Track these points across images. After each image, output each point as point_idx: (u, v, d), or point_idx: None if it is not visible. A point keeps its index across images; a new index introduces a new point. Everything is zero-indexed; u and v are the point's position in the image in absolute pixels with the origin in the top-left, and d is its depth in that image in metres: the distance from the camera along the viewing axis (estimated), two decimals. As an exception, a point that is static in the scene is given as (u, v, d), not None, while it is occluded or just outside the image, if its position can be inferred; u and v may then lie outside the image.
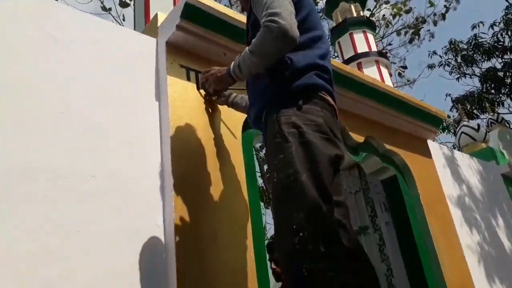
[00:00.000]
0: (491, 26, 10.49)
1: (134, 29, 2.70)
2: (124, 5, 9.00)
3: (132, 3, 8.98)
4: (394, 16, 11.44)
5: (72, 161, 1.72)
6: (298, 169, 1.29)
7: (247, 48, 1.47)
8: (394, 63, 12.07)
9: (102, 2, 9.64)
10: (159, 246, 1.81)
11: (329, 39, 5.37)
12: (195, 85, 2.18)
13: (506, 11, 10.08)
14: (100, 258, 1.63)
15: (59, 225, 1.58)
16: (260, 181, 9.39)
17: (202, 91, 2.13)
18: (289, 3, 1.43)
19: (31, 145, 1.64)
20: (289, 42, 1.37)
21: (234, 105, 2.04)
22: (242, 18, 2.32)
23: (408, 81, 12.74)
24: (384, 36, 12.15)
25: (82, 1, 8.99)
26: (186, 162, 1.96)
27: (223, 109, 2.23)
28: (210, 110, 2.17)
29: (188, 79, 2.17)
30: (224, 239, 1.92)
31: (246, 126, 2.31)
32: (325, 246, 1.21)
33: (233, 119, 2.26)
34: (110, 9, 9.84)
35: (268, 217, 10.39)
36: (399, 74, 12.20)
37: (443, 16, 11.85)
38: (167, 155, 1.95)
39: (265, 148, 1.61)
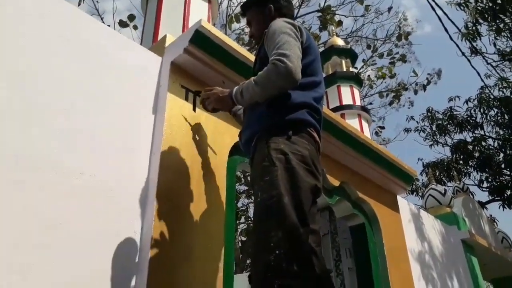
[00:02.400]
0: (466, 101, 11.21)
1: (141, 45, 2.84)
2: (123, 25, 9.20)
3: (131, 24, 9.22)
4: (378, 78, 12.08)
5: (64, 156, 1.79)
6: (281, 192, 1.40)
7: (252, 78, 1.60)
8: (374, 121, 12.60)
9: (101, 19, 9.83)
10: (133, 252, 1.86)
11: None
12: (191, 106, 2.31)
13: (480, 90, 10.84)
14: (77, 254, 1.66)
15: (42, 215, 1.63)
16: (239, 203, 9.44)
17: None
18: (298, 48, 1.59)
19: (30, 135, 1.71)
20: (291, 82, 1.52)
21: (236, 116, 2.15)
22: (245, 52, 2.50)
23: (384, 140, 13.27)
24: (367, 96, 12.75)
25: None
26: (172, 176, 2.05)
27: (215, 133, 2.36)
28: (203, 131, 2.29)
29: (186, 99, 2.30)
30: (198, 255, 1.98)
31: (232, 152, 2.44)
32: (299, 266, 1.30)
33: (221, 144, 2.38)
34: (108, 26, 10.02)
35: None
36: (376, 133, 12.70)
37: (424, 88, 12.60)
38: (155, 166, 2.03)
39: (251, 170, 1.72)
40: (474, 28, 8.24)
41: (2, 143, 1.62)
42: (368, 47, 12.22)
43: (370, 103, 13.07)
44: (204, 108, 1.93)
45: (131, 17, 9.19)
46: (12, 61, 1.76)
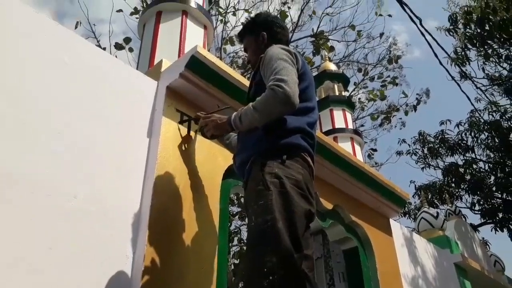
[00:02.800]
0: (457, 125, 11.38)
1: (137, 69, 2.88)
2: (119, 47, 9.29)
3: (127, 47, 9.32)
4: (369, 101, 12.25)
5: (59, 178, 1.79)
6: (275, 216, 1.42)
7: (251, 104, 1.62)
8: (366, 142, 12.70)
9: (98, 41, 9.92)
10: (126, 275, 1.84)
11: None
12: (186, 129, 2.33)
13: (470, 114, 11.03)
14: (67, 278, 1.65)
15: (34, 238, 1.62)
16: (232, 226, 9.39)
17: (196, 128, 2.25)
18: (295, 74, 1.63)
19: (25, 155, 1.72)
20: (289, 107, 1.55)
21: (227, 145, 2.19)
22: (239, 77, 2.55)
23: (376, 163, 13.34)
24: (358, 118, 12.90)
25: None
26: (166, 199, 2.05)
27: (209, 156, 2.37)
28: (197, 154, 2.31)
29: (181, 123, 2.32)
30: (190, 278, 1.97)
31: (225, 175, 2.45)
32: None
33: (215, 167, 2.39)
34: (104, 48, 10.12)
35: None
36: (369, 156, 12.78)
37: (415, 108, 12.78)
38: (149, 189, 2.04)
39: (244, 193, 1.73)
40: (463, 53, 8.45)
41: (-3, 164, 1.62)
42: (359, 70, 12.43)
43: (362, 125, 13.20)
44: (203, 135, 1.94)
45: (127, 40, 9.30)
46: (7, 81, 1.79)
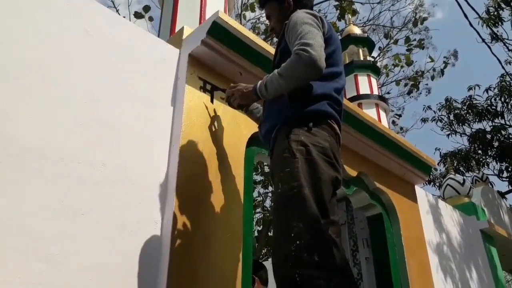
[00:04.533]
0: (486, 90, 10.95)
1: (158, 37, 2.86)
2: (139, 16, 9.23)
3: (146, 15, 9.25)
4: (395, 66, 11.89)
5: (87, 148, 1.83)
6: (302, 183, 1.41)
7: (276, 70, 1.58)
8: (393, 111, 12.45)
9: (117, 10, 9.88)
10: (155, 241, 1.90)
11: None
12: (209, 97, 2.32)
13: (500, 78, 10.57)
14: (99, 244, 1.71)
15: (66, 205, 1.67)
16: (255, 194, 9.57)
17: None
18: (321, 37, 1.57)
19: (53, 127, 1.75)
20: (316, 72, 1.50)
21: (249, 113, 2.16)
22: (262, 43, 2.49)
23: (401, 129, 13.11)
24: (384, 84, 12.58)
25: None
26: (191, 167, 2.07)
27: (232, 124, 2.37)
28: (220, 123, 2.31)
29: (204, 91, 2.31)
30: (217, 245, 2.01)
31: (249, 143, 2.45)
32: (319, 256, 1.31)
33: (238, 135, 2.39)
34: (124, 17, 10.07)
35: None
36: (393, 122, 12.55)
37: (442, 72, 12.36)
38: (175, 157, 2.06)
39: (270, 161, 1.73)
40: (495, 13, 8.00)
41: (26, 134, 1.66)
42: (385, 36, 12.01)
43: (388, 93, 12.90)
44: (230, 105, 1.90)
45: (146, 8, 9.22)
46: (33, 54, 1.80)
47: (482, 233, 5.43)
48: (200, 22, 2.93)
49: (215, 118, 2.30)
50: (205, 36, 2.25)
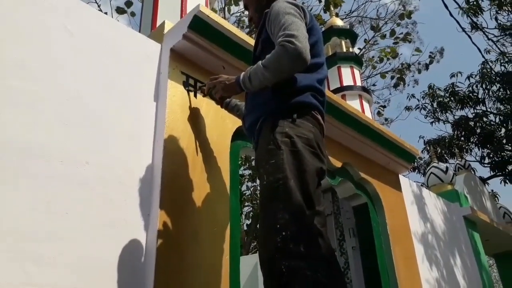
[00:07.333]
0: (468, 77, 11.12)
1: (139, 32, 2.83)
2: (121, 12, 9.09)
3: (129, 10, 9.12)
4: (381, 60, 11.95)
5: (70, 145, 1.81)
6: (287, 175, 1.42)
7: (260, 62, 1.56)
8: (378, 103, 12.56)
9: (99, 6, 9.71)
10: (142, 238, 1.89)
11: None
12: (192, 92, 2.31)
13: (482, 65, 10.75)
14: (84, 242, 1.70)
15: (52, 204, 1.65)
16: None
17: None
18: (304, 28, 1.56)
19: (36, 125, 1.72)
20: (301, 64, 1.49)
21: (229, 108, 2.16)
22: (244, 37, 2.48)
23: (386, 120, 13.26)
24: (370, 76, 12.67)
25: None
26: (176, 162, 2.07)
27: (216, 118, 2.37)
28: (204, 117, 2.30)
29: (187, 85, 2.30)
30: (204, 239, 2.02)
31: (234, 137, 2.45)
32: (305, 247, 1.32)
33: (223, 129, 2.39)
34: (106, 13, 9.90)
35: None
36: (378, 113, 12.67)
37: (427, 67, 12.51)
38: (159, 152, 2.05)
39: (255, 153, 1.73)
40: (475, 2, 8.12)
41: (9, 134, 1.63)
42: (372, 28, 12.05)
43: (374, 85, 12.99)
44: (211, 98, 1.88)
45: (129, 3, 9.08)
46: (15, 53, 1.77)
47: (465, 219, 5.56)
48: (181, 16, 2.90)
49: (199, 112, 2.29)
50: (187, 30, 2.24)
